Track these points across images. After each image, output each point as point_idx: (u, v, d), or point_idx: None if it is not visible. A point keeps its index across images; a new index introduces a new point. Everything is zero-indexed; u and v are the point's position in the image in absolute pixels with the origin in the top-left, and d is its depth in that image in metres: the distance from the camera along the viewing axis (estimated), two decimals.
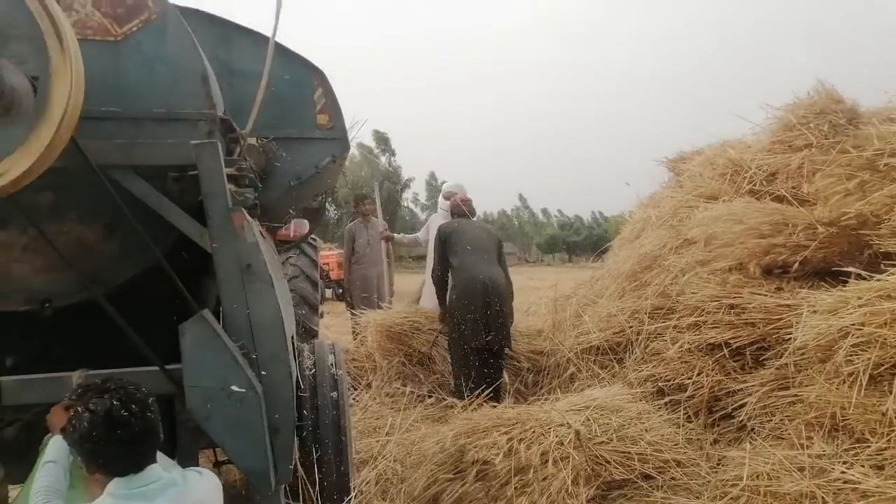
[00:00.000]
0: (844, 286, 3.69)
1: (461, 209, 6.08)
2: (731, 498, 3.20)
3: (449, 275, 5.48)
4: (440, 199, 7.23)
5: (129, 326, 2.34)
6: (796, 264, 4.29)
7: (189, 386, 2.29)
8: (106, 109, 2.49)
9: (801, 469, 3.06)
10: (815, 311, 3.67)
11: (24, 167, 2.02)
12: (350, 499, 3.09)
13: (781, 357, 3.90)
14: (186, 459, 2.48)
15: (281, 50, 3.42)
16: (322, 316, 7.69)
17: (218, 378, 2.28)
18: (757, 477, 3.17)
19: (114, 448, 1.71)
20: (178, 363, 2.37)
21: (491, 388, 4.67)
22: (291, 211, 4.42)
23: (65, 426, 1.80)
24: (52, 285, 2.53)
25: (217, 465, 3.36)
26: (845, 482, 2.92)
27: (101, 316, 2.38)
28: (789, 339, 3.84)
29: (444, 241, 5.59)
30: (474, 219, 6.20)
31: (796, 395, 3.62)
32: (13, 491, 2.41)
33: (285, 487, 2.53)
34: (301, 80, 3.53)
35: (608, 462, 3.45)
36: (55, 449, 1.98)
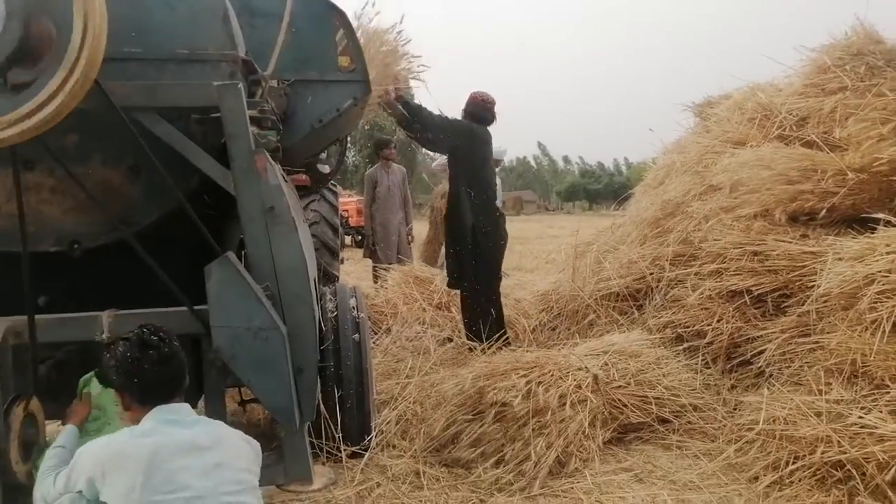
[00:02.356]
0: (872, 233, 3.63)
1: (486, 109, 5.17)
2: (747, 441, 3.24)
3: (465, 189, 5.02)
4: None
5: (157, 266, 2.38)
6: (823, 211, 4.22)
7: (215, 326, 2.35)
8: (128, 50, 2.48)
9: (818, 414, 3.07)
10: (840, 259, 3.62)
11: (49, 109, 2.03)
12: (371, 437, 3.18)
13: (803, 304, 3.87)
14: (213, 398, 2.56)
15: None
16: (342, 262, 7.74)
17: (243, 318, 2.33)
18: (773, 421, 3.19)
19: (148, 370, 1.84)
20: (201, 304, 2.43)
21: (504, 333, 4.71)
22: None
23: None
24: (80, 226, 2.58)
25: (242, 404, 3.47)
26: (862, 427, 2.93)
27: (128, 257, 2.43)
28: (812, 286, 3.80)
29: (471, 137, 5.02)
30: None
31: (817, 342, 3.60)
32: (51, 425, 2.51)
33: (309, 426, 2.60)
34: (322, 20, 3.47)
35: (625, 405, 3.50)
36: (66, 435, 2.12)
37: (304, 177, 5.40)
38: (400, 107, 4.78)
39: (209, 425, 1.89)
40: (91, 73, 2.11)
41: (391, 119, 5.34)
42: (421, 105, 4.98)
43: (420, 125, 4.93)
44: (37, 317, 2.36)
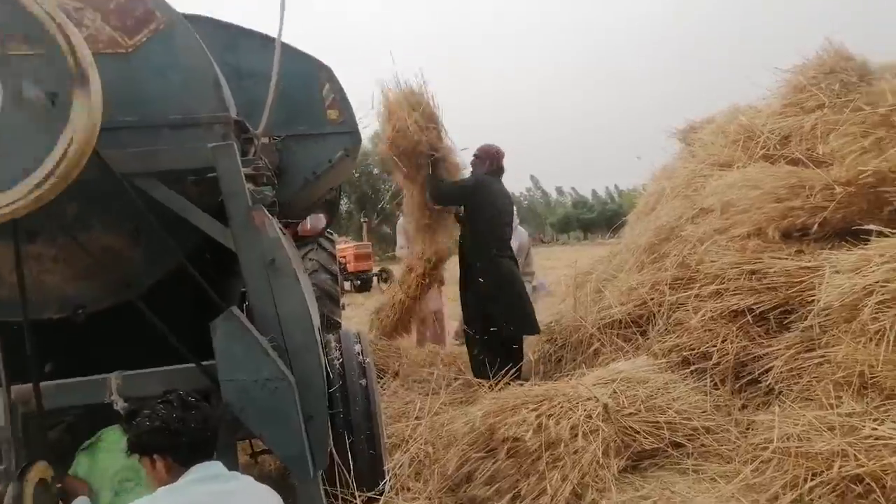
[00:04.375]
0: (866, 244, 3.67)
1: (500, 163, 5.45)
2: (763, 461, 3.21)
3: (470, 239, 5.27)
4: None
5: (163, 325, 2.40)
6: (815, 226, 4.27)
7: (223, 380, 2.36)
8: (123, 119, 2.55)
9: (832, 428, 3.06)
10: (837, 271, 3.65)
11: (51, 181, 2.07)
12: (385, 482, 3.16)
13: (806, 319, 3.89)
14: (225, 452, 2.55)
15: (287, 49, 3.46)
16: (344, 308, 7.75)
17: (251, 370, 2.34)
18: (787, 439, 3.17)
19: (194, 429, 1.93)
20: (207, 360, 2.44)
21: (517, 368, 4.71)
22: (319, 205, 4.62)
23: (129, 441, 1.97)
24: (84, 292, 2.61)
25: (254, 456, 3.44)
26: (877, 439, 2.92)
27: (131, 319, 2.45)
28: (813, 300, 3.83)
29: (489, 189, 5.27)
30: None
31: (823, 356, 3.61)
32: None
33: (322, 474, 2.59)
34: (309, 77, 3.58)
35: (637, 432, 3.48)
36: (81, 501, 2.20)
37: (303, 226, 5.50)
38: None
39: (244, 481, 1.98)
40: (90, 144, 2.16)
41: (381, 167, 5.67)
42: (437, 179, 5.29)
43: (439, 199, 5.35)
44: (44, 384, 2.37)
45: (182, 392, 2.03)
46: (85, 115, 2.08)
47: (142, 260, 2.66)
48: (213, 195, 2.61)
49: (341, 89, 3.71)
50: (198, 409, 1.99)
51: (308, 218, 5.74)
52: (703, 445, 3.57)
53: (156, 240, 2.54)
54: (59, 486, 2.26)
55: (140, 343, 2.46)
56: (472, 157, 5.52)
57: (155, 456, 1.92)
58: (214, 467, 1.96)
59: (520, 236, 7.27)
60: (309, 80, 3.58)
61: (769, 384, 3.90)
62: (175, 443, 1.92)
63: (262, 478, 2.11)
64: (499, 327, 5.14)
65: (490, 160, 5.44)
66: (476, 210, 5.23)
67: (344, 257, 16.90)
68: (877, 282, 3.36)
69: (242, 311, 2.64)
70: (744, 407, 3.93)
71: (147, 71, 2.61)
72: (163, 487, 1.87)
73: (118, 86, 2.49)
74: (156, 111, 2.61)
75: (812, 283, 4.01)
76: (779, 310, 4.20)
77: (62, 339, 2.63)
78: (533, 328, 5.26)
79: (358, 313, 12.12)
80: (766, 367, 3.98)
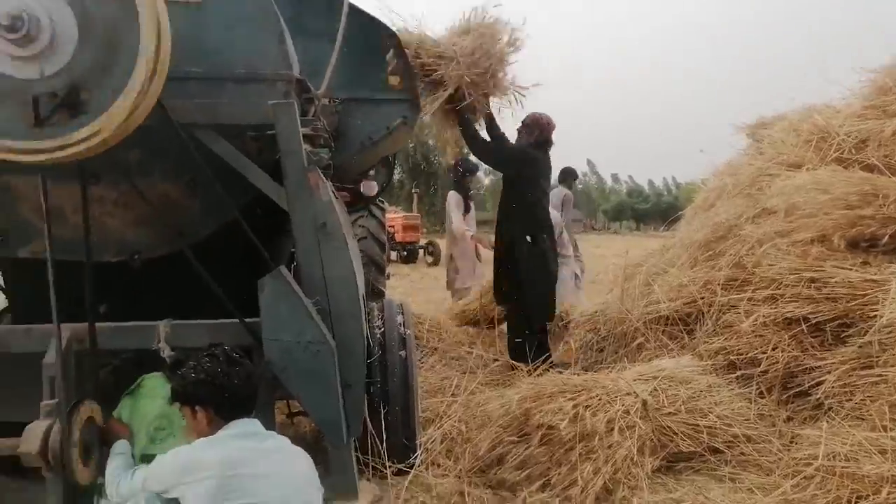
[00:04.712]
0: None
1: (548, 135, 5.19)
2: (804, 477, 3.10)
3: (519, 214, 5.07)
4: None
5: (211, 279, 2.43)
6: (886, 238, 4.06)
7: (267, 338, 2.38)
8: (189, 70, 2.56)
9: (883, 451, 2.93)
10: None
11: (115, 125, 2.09)
12: (416, 455, 3.17)
13: (865, 335, 3.71)
14: (263, 409, 2.58)
15: (354, 11, 3.43)
16: (388, 277, 7.79)
17: (294, 331, 2.36)
18: (833, 457, 3.05)
19: (237, 385, 1.97)
20: (252, 317, 2.46)
21: (547, 357, 4.67)
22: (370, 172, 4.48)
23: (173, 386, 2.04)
24: (141, 238, 2.66)
25: (290, 417, 3.49)
26: None
27: (183, 269, 2.48)
28: (875, 316, 3.66)
29: (528, 164, 5.07)
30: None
31: (880, 375, 3.45)
32: None
33: (355, 441, 2.60)
34: (374, 41, 3.54)
35: (675, 433, 3.40)
36: (122, 444, 2.26)
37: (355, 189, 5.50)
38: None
39: (281, 441, 2.02)
40: (155, 92, 2.17)
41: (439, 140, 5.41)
42: (476, 132, 4.98)
43: (477, 151, 5.00)
44: (98, 325, 2.43)
45: (227, 347, 2.06)
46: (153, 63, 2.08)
47: (197, 211, 2.69)
48: (270, 153, 2.62)
49: (405, 56, 3.66)
50: (242, 365, 2.01)
51: (361, 183, 5.75)
52: (742, 454, 3.46)
53: (211, 192, 2.56)
54: (103, 426, 2.32)
55: (190, 294, 2.50)
56: (518, 125, 5.27)
57: (197, 407, 1.96)
58: (253, 425, 1.99)
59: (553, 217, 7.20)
60: (373, 45, 3.55)
61: (819, 398, 3.75)
62: (218, 396, 1.95)
63: (296, 439, 2.12)
64: (532, 314, 5.09)
65: (539, 130, 5.18)
66: (522, 185, 5.08)
67: (392, 227, 17.00)
68: None
69: (290, 271, 2.65)
70: (789, 419, 3.79)
71: (216, 23, 2.61)
72: (202, 438, 1.90)
73: (187, 36, 2.50)
74: (221, 63, 2.61)
75: (876, 297, 3.82)
76: (837, 322, 4.02)
77: (117, 282, 2.69)
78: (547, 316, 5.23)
79: (402, 283, 12.23)
80: (818, 380, 3.82)
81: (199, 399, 1.96)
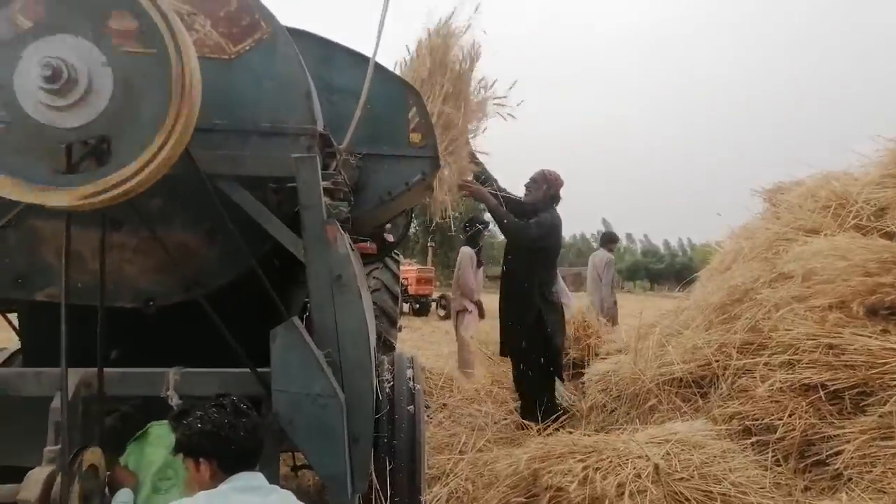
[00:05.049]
0: None
1: (557, 191, 5.23)
2: None
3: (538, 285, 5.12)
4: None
5: (224, 327, 2.44)
6: None
7: (276, 389, 2.37)
8: (216, 122, 2.64)
9: None
10: None
11: (144, 174, 2.15)
12: None
13: (885, 404, 3.64)
14: (268, 462, 2.55)
15: (379, 69, 3.53)
16: (400, 329, 7.77)
17: (304, 383, 2.34)
18: None
19: (242, 437, 1.95)
20: (262, 367, 2.46)
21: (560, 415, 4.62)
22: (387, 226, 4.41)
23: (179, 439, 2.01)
24: (157, 285, 2.69)
25: (294, 469, 3.45)
26: None
27: (196, 317, 2.50)
28: (895, 385, 3.58)
29: (554, 233, 5.13)
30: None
31: None
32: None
33: (359, 498, 2.56)
34: (397, 99, 3.62)
35: (688, 500, 3.30)
36: (124, 494, 2.23)
37: (368, 244, 5.52)
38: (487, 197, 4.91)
39: (284, 495, 1.97)
40: (184, 141, 2.24)
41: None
42: (499, 201, 5.05)
43: (503, 224, 5.07)
44: (107, 370, 2.44)
45: (235, 398, 2.05)
46: (182, 122, 2.15)
47: (214, 260, 2.72)
48: (290, 204, 2.66)
49: (427, 114, 3.74)
50: (248, 417, 2.00)
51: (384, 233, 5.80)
52: None
53: (229, 242, 2.60)
54: (108, 473, 2.30)
55: (202, 342, 2.51)
56: (527, 181, 5.36)
57: (201, 459, 1.93)
58: (256, 479, 1.97)
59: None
60: (397, 102, 3.63)
61: (837, 468, 3.65)
62: (223, 448, 1.93)
63: (300, 493, 2.09)
64: (556, 370, 5.10)
65: (548, 185, 5.26)
66: (546, 252, 5.15)
67: (406, 279, 17.05)
68: None
69: (303, 321, 2.66)
70: (807, 489, 3.68)
71: (245, 78, 2.69)
72: (203, 492, 1.88)
73: (216, 89, 2.58)
74: (248, 117, 2.69)
75: None
76: (856, 390, 3.95)
77: (130, 328, 2.71)
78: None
79: (413, 337, 12.17)
80: (836, 449, 3.73)
81: (203, 451, 1.94)
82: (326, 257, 2.51)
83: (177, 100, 2.14)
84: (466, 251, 7.22)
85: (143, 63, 2.13)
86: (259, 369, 2.48)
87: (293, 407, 2.35)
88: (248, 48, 2.65)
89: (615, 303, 9.10)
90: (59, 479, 2.10)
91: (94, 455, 2.26)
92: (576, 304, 7.71)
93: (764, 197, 6.30)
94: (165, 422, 2.39)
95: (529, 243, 5.09)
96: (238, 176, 2.62)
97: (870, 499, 3.14)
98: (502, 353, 5.39)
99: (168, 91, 2.13)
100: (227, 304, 2.63)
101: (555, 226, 5.21)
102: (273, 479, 2.48)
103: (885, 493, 3.22)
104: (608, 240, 9.88)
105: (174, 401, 2.39)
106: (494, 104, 4.60)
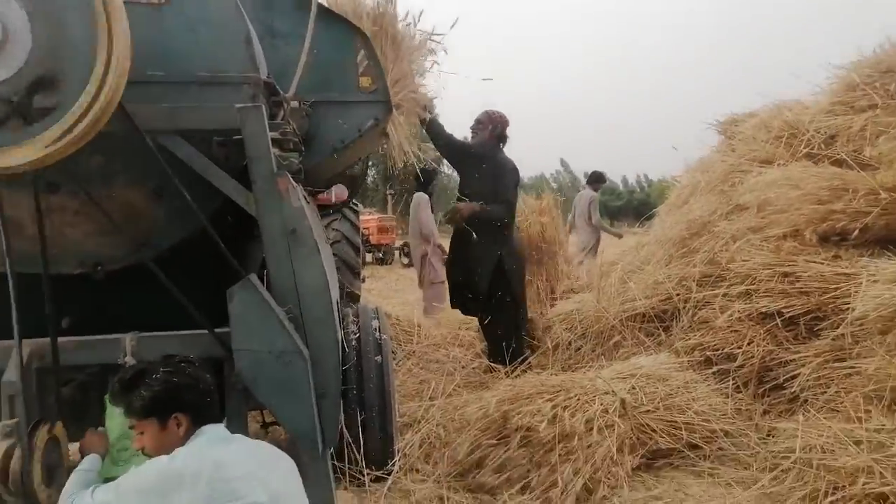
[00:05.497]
0: None
1: (503, 131, 5.18)
2: (782, 470, 3.12)
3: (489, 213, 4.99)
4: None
5: (177, 290, 2.36)
6: (856, 232, 4.12)
7: (237, 349, 2.32)
8: (151, 73, 2.49)
9: (858, 443, 2.96)
10: (876, 281, 3.52)
11: (74, 133, 2.02)
12: (395, 461, 3.12)
13: (838, 328, 3.77)
14: (235, 421, 2.52)
15: (323, 11, 3.37)
16: (363, 280, 7.73)
17: (265, 341, 2.29)
18: (809, 450, 3.08)
19: (210, 389, 1.94)
20: (223, 327, 2.40)
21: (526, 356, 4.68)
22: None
23: (135, 403, 1.89)
24: (104, 249, 2.57)
25: (264, 427, 3.43)
26: None
27: (150, 280, 2.41)
28: (847, 309, 3.71)
29: (515, 174, 5.15)
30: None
31: (853, 367, 3.50)
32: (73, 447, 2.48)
33: (331, 450, 2.55)
34: (343, 42, 3.47)
35: (654, 431, 3.41)
36: (89, 461, 2.12)
37: (325, 195, 5.40)
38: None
39: (260, 442, 1.96)
40: (115, 97, 2.10)
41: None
42: (440, 127, 4.95)
43: (442, 147, 4.96)
44: (60, 339, 2.34)
45: (191, 358, 2.00)
46: (112, 67, 2.02)
47: (162, 220, 2.61)
48: (238, 158, 2.55)
49: (376, 57, 3.60)
50: (206, 373, 1.96)
51: (333, 187, 5.68)
52: (720, 449, 3.49)
53: (177, 200, 2.48)
54: (77, 442, 2.23)
55: (159, 305, 2.42)
56: (473, 122, 5.27)
57: (177, 415, 1.85)
58: (224, 430, 1.92)
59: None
60: (344, 45, 3.48)
61: (794, 391, 3.79)
62: (201, 400, 1.89)
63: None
64: (523, 308, 5.12)
65: (493, 125, 5.17)
66: (499, 181, 5.09)
67: (367, 229, 16.92)
68: None
69: (263, 277, 2.59)
70: (766, 413, 3.83)
71: (179, 25, 2.54)
72: (182, 448, 1.80)
73: (149, 39, 2.43)
74: (185, 67, 2.54)
75: (847, 290, 3.87)
76: (810, 315, 4.07)
77: (80, 295, 2.61)
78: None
79: (378, 285, 12.15)
80: (793, 373, 3.86)
81: (181, 404, 1.86)
82: (279, 211, 2.42)
83: (106, 47, 2.00)
84: (422, 196, 7.16)
85: (65, 10, 1.98)
86: (219, 329, 2.41)
87: (256, 365, 2.30)
88: None
89: (598, 240, 9.18)
90: (16, 452, 2.03)
91: (53, 427, 2.19)
92: None
93: (719, 129, 6.32)
94: None
95: (509, 214, 5.10)
96: (180, 130, 2.49)
97: (824, 418, 3.26)
98: (453, 306, 5.35)
99: (95, 39, 1.99)
100: (183, 263, 2.54)
101: (517, 179, 5.20)
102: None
103: (838, 411, 3.35)
104: (594, 179, 9.78)
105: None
106: (432, 41, 4.40)
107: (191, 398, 1.88)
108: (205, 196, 2.54)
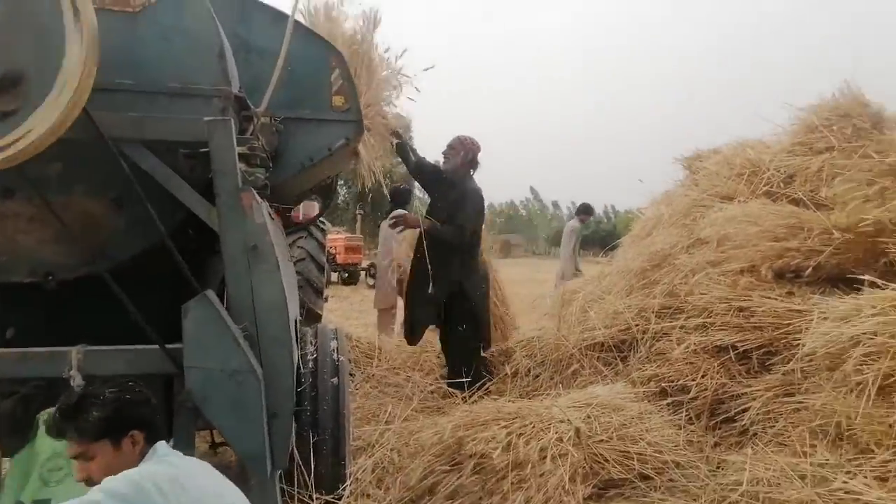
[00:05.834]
0: (858, 294, 3.63)
1: (475, 157, 5.19)
2: (730, 503, 3.16)
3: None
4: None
5: (131, 303, 2.31)
6: (809, 269, 4.24)
7: (189, 366, 2.27)
8: (119, 81, 2.46)
9: (803, 477, 3.01)
10: (826, 318, 3.61)
11: (33, 137, 1.99)
12: (346, 486, 3.08)
13: (789, 363, 3.86)
14: (183, 441, 2.47)
15: (300, 29, 3.38)
16: (326, 300, 7.66)
17: (218, 359, 2.25)
18: (757, 482, 3.12)
19: (156, 408, 1.88)
20: (178, 342, 2.35)
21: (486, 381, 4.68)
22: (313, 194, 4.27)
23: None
24: (57, 258, 2.52)
25: (213, 447, 3.35)
26: (847, 492, 2.87)
27: (103, 292, 2.36)
28: (798, 344, 3.79)
29: (482, 213, 5.17)
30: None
31: (801, 402, 3.57)
32: (6, 462, 2.40)
33: (280, 472, 2.51)
34: (318, 60, 3.49)
35: (607, 461, 3.42)
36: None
37: (295, 212, 5.36)
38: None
39: (199, 461, 1.90)
40: (79, 103, 2.08)
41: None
42: (411, 150, 5.01)
43: (413, 170, 5.01)
44: (2, 350, 2.28)
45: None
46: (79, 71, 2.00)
47: (121, 231, 2.57)
48: (204, 171, 2.52)
49: (350, 77, 3.62)
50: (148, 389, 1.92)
51: (301, 204, 5.64)
52: (671, 480, 3.51)
53: (138, 211, 2.45)
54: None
55: (113, 319, 2.37)
56: (445, 148, 5.29)
57: (134, 432, 1.78)
58: (168, 447, 1.84)
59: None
60: (318, 64, 3.49)
61: (745, 424, 3.86)
62: (154, 416, 1.84)
63: (220, 468, 2.01)
64: (486, 337, 5.14)
65: (465, 151, 5.19)
66: (465, 214, 5.11)
67: (334, 248, 16.82)
68: (864, 333, 3.31)
69: (223, 293, 2.56)
70: (717, 445, 3.88)
71: (152, 34, 2.53)
72: (134, 470, 1.70)
73: (120, 46, 2.41)
74: (155, 77, 2.53)
75: (799, 326, 3.97)
76: (763, 350, 4.17)
77: (29, 305, 2.54)
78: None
79: (342, 306, 12.06)
80: (744, 406, 3.94)
81: (136, 422, 1.79)
82: (241, 226, 2.40)
83: (74, 51, 1.98)
84: (385, 226, 7.20)
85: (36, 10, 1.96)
86: (171, 345, 2.37)
87: (208, 383, 2.26)
88: (154, 0, 2.47)
89: (577, 270, 9.25)
90: None
91: None
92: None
93: (684, 164, 6.49)
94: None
95: (471, 238, 5.11)
96: (146, 140, 2.47)
97: (772, 451, 3.32)
98: (409, 337, 5.35)
99: (63, 42, 1.97)
100: (140, 276, 2.50)
101: (480, 207, 5.22)
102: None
103: (785, 445, 3.42)
104: (582, 210, 9.99)
105: (76, 381, 2.24)
106: (401, 77, 4.49)
107: (146, 414, 1.82)
108: (167, 208, 2.51)
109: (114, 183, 2.47)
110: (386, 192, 5.55)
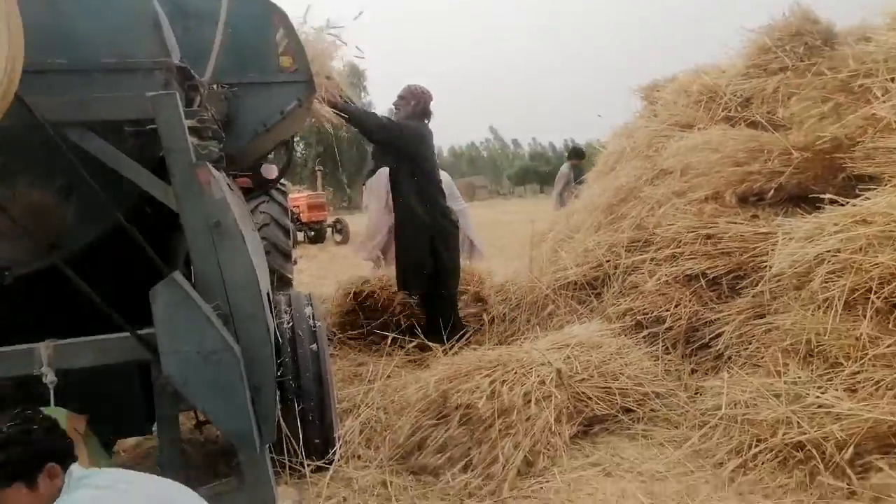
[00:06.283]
0: (819, 212, 3.70)
1: (426, 106, 5.15)
2: (710, 427, 3.27)
3: (417, 191, 5.02)
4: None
5: (95, 292, 2.23)
6: (772, 191, 4.31)
7: (164, 351, 2.22)
8: (50, 61, 2.32)
9: (778, 396, 3.12)
10: (790, 239, 3.68)
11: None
12: (335, 450, 3.10)
13: (757, 285, 3.94)
14: (166, 426, 2.44)
15: None
16: (295, 262, 7.58)
17: (193, 341, 2.20)
18: (735, 405, 3.23)
19: (63, 432, 1.74)
20: (150, 327, 2.29)
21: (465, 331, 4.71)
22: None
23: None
24: (10, 252, 2.41)
25: (198, 426, 3.32)
26: (819, 406, 2.98)
27: (66, 282, 2.28)
28: (765, 267, 3.87)
29: (423, 141, 5.07)
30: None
31: (772, 323, 3.67)
32: None
33: (270, 445, 2.50)
34: (261, 20, 3.34)
35: (590, 398, 3.50)
36: None
37: (245, 179, 5.22)
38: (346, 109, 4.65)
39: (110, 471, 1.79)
40: (10, 88, 1.95)
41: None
42: (358, 109, 4.86)
43: (367, 130, 4.89)
44: None
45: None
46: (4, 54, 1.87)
47: (73, 219, 2.47)
48: (154, 149, 2.42)
49: (296, 35, 3.48)
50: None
51: (261, 167, 5.50)
52: (652, 410, 3.62)
53: (88, 197, 2.34)
54: None
55: (80, 310, 2.29)
56: (396, 98, 5.23)
57: (50, 465, 1.63)
58: (81, 467, 1.72)
59: None
60: (261, 24, 3.34)
61: (719, 349, 3.97)
62: (64, 441, 1.71)
63: (207, 443, 1.99)
64: (455, 284, 5.15)
65: (416, 101, 5.14)
66: (417, 161, 5.05)
67: (297, 207, 16.56)
68: (828, 251, 3.38)
69: (189, 271, 2.49)
70: (693, 372, 3.99)
71: (79, 8, 2.38)
72: (64, 495, 1.60)
73: (45, 24, 2.27)
74: (89, 54, 2.39)
75: (765, 249, 4.05)
76: (732, 275, 4.25)
77: None
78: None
79: (310, 266, 11.96)
80: (717, 332, 4.04)
81: (49, 454, 1.64)
82: (201, 204, 2.32)
83: None
84: (371, 181, 7.08)
85: None
86: (142, 331, 2.30)
87: (186, 367, 2.21)
88: None
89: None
90: None
91: None
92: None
93: (642, 95, 6.45)
94: None
95: (397, 140, 4.97)
96: (88, 122, 2.34)
97: (746, 374, 3.43)
98: (402, 288, 5.32)
99: None
100: (103, 263, 2.41)
101: (422, 135, 5.09)
102: (174, 442, 2.39)
103: (759, 366, 3.52)
104: (573, 154, 10.03)
105: (49, 378, 2.18)
106: (329, 34, 4.31)
107: (56, 442, 1.69)
108: (119, 191, 2.41)
109: (58, 170, 2.36)
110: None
